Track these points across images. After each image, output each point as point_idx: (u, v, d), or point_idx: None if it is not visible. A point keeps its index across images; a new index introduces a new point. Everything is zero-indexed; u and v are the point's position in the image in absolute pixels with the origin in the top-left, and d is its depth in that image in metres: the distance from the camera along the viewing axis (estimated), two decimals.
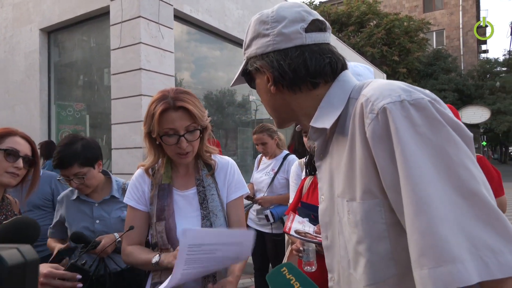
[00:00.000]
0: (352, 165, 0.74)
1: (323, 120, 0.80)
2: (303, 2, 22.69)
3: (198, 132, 1.38)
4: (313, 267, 1.52)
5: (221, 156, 1.58)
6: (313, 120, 0.82)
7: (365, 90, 0.73)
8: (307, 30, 0.83)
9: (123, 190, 1.96)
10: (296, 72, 0.81)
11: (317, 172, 0.94)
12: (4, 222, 1.22)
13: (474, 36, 25.88)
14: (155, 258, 1.31)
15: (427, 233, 0.57)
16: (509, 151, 40.41)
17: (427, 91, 0.68)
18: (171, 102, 1.30)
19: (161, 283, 1.30)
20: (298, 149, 3.53)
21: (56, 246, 1.87)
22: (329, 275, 0.90)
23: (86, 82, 6.21)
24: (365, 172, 0.70)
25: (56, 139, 6.01)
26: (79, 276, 1.30)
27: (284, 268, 0.77)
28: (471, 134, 0.66)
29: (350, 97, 0.80)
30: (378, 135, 0.65)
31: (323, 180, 0.89)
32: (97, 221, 1.85)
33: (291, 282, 0.73)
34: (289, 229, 1.53)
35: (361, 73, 1.36)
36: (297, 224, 1.57)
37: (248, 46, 0.90)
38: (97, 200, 1.90)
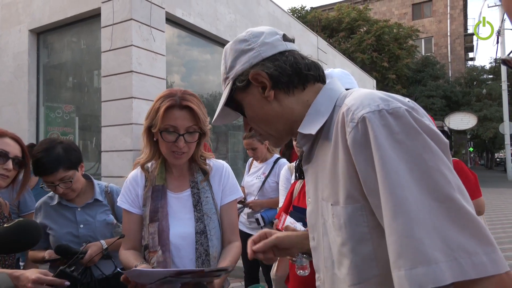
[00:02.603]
0: (335, 171, 0.77)
1: (310, 127, 0.84)
2: (295, 6, 22.91)
3: (198, 134, 1.40)
4: (307, 271, 1.51)
5: (215, 159, 1.58)
6: (301, 127, 0.86)
7: (347, 100, 0.76)
8: (284, 40, 0.90)
9: (106, 193, 1.92)
10: (293, 67, 0.85)
11: (304, 176, 0.96)
12: (5, 225, 1.21)
13: (462, 44, 26.41)
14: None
15: (404, 236, 0.60)
16: (495, 157, 41.15)
17: (406, 100, 0.71)
18: (178, 100, 1.33)
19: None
20: (285, 152, 3.55)
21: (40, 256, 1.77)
22: (316, 275, 0.93)
23: (76, 84, 6.15)
24: (347, 178, 0.73)
25: None
26: (67, 283, 1.28)
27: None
28: (447, 141, 0.69)
29: (336, 104, 0.84)
30: (358, 143, 0.68)
31: (309, 183, 0.92)
32: (81, 226, 1.80)
33: None
34: (282, 228, 1.54)
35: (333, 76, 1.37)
36: (289, 224, 1.58)
37: (232, 67, 0.90)
38: (79, 205, 1.83)
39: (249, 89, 0.88)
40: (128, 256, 1.41)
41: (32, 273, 1.22)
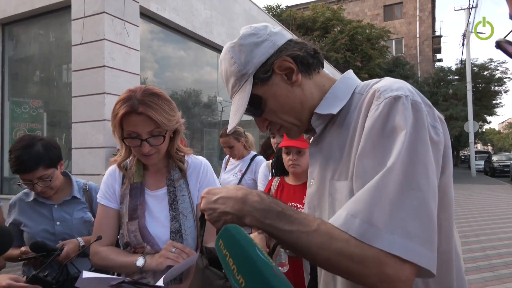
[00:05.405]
0: (350, 152, 0.82)
1: (329, 108, 0.88)
2: (270, 4, 22.96)
3: (163, 137, 1.33)
4: (285, 267, 1.53)
5: (195, 156, 1.55)
6: (318, 108, 0.89)
7: (377, 85, 0.82)
8: None
9: (85, 191, 1.89)
10: (312, 48, 0.90)
11: (309, 158, 1.00)
12: None
13: (430, 45, 27.36)
14: (140, 261, 1.27)
15: (364, 193, 0.69)
16: (460, 154, 42.97)
17: (425, 98, 0.79)
18: (135, 105, 1.24)
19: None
20: (266, 151, 3.58)
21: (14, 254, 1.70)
22: None
23: (44, 78, 5.91)
24: None
25: (10, 138, 5.68)
26: None
27: (220, 241, 0.63)
28: (442, 140, 0.77)
29: (355, 92, 0.88)
30: (377, 115, 0.75)
31: (314, 165, 0.96)
32: (58, 223, 1.76)
33: (226, 258, 0.61)
34: None
35: None
36: None
37: (248, 62, 0.87)
38: (56, 202, 1.80)
39: (272, 80, 0.88)
40: (116, 252, 1.38)
41: (3, 280, 1.17)
